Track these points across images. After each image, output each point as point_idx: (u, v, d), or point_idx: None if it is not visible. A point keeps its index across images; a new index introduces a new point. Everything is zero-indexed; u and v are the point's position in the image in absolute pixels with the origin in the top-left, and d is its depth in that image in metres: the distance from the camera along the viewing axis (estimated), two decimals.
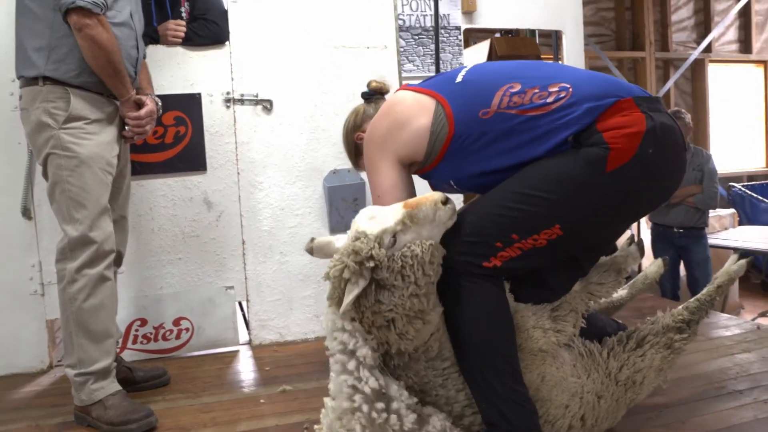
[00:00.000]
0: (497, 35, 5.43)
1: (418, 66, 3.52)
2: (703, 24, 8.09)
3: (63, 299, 2.29)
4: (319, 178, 3.37)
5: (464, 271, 1.69)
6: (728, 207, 7.06)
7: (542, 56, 5.29)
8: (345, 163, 2.90)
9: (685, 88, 8.08)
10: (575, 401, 1.83)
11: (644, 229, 5.88)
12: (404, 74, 3.48)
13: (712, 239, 5.61)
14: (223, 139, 3.22)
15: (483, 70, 1.87)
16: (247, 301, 3.31)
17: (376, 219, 1.63)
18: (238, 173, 3.25)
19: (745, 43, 8.34)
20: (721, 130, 8.13)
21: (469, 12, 3.62)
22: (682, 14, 8.00)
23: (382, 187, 1.85)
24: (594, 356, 1.93)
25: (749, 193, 7.24)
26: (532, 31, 5.38)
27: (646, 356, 1.96)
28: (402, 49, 3.49)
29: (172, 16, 3.15)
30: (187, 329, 3.19)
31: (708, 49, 7.87)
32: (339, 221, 3.33)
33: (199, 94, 3.17)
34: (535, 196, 1.67)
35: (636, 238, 2.20)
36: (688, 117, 4.98)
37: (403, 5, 3.48)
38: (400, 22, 3.48)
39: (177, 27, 3.10)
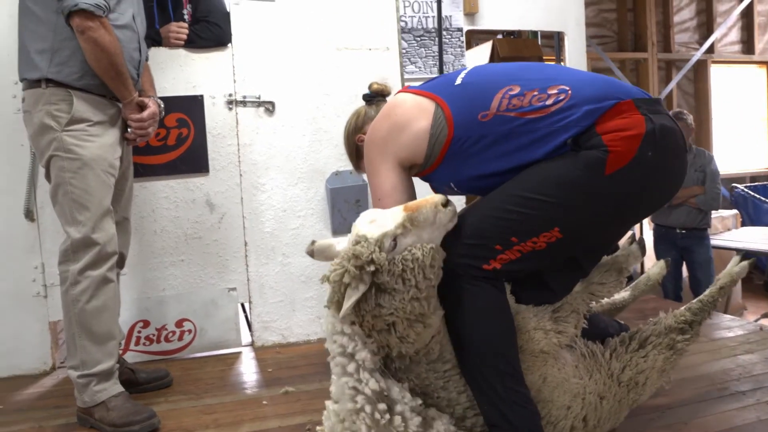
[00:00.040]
0: (499, 37, 5.43)
1: (420, 68, 3.52)
2: (706, 25, 8.08)
3: (66, 301, 2.29)
4: (322, 179, 3.37)
5: (464, 273, 1.69)
6: (731, 208, 7.05)
7: (544, 58, 5.29)
8: (347, 164, 2.90)
9: (687, 89, 8.07)
10: (577, 402, 1.83)
11: (646, 230, 5.88)
12: (406, 76, 3.48)
13: (715, 240, 5.60)
14: (225, 141, 3.23)
15: (482, 73, 1.87)
16: (250, 302, 3.31)
17: (376, 222, 1.62)
18: (241, 175, 3.25)
19: (747, 44, 8.33)
20: (723, 131, 8.12)
21: (471, 13, 3.62)
22: (684, 15, 8.00)
23: (383, 190, 1.84)
24: (596, 357, 1.93)
25: (752, 194, 7.22)
26: (534, 33, 5.38)
27: (648, 357, 1.96)
28: (404, 51, 3.49)
29: (174, 18, 3.16)
30: (189, 331, 3.20)
31: (710, 50, 7.86)
32: (341, 223, 3.33)
33: (202, 96, 3.18)
34: (534, 199, 1.66)
35: (637, 238, 2.20)
36: (690, 118, 4.98)
37: (405, 7, 3.49)
38: (402, 23, 3.48)
39: (179, 29, 3.11)
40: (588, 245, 1.84)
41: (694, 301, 2.10)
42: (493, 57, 4.89)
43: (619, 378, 1.92)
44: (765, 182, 7.84)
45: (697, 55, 7.59)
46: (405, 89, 1.96)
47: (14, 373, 2.95)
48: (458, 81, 1.84)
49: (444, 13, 3.55)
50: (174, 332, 3.17)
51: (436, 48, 3.53)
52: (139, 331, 3.12)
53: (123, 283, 2.76)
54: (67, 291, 2.28)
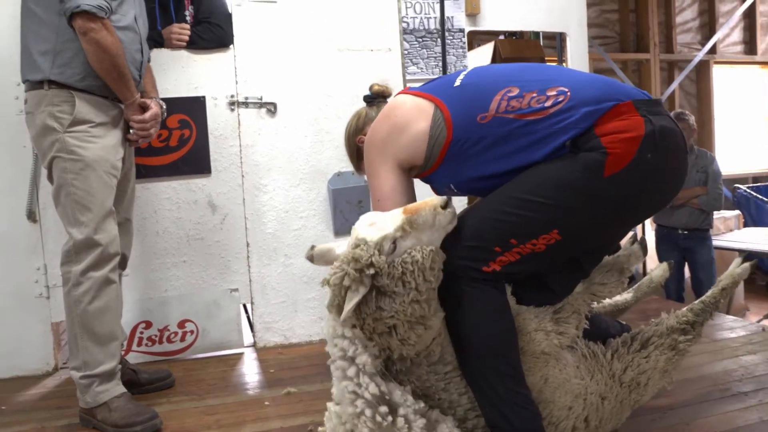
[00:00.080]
0: (501, 37, 5.43)
1: (422, 69, 3.52)
2: (708, 25, 8.07)
3: (68, 302, 2.30)
4: (324, 180, 3.37)
5: (464, 275, 1.68)
6: (733, 209, 7.04)
7: (546, 58, 5.29)
8: (349, 165, 2.89)
9: (689, 89, 8.06)
10: (579, 403, 1.83)
11: (648, 230, 5.88)
12: (408, 77, 3.49)
13: (717, 241, 5.60)
14: (227, 142, 3.23)
15: (481, 74, 1.87)
16: (252, 303, 3.32)
17: (375, 225, 1.62)
18: (243, 176, 3.26)
19: (749, 45, 8.32)
20: (725, 131, 8.11)
21: (473, 14, 3.62)
22: (686, 16, 7.99)
23: (382, 191, 1.84)
24: (597, 357, 1.93)
25: (754, 194, 7.21)
26: (536, 34, 5.38)
27: (650, 358, 1.95)
28: (406, 52, 3.49)
29: (176, 19, 3.17)
30: (191, 331, 3.20)
31: (713, 50, 7.85)
32: (343, 223, 3.33)
33: (204, 98, 3.18)
34: (533, 201, 1.66)
35: (639, 238, 2.20)
36: (692, 119, 4.98)
37: (407, 8, 3.49)
38: (404, 24, 3.49)
39: (181, 30, 3.11)
40: (588, 247, 1.83)
41: (696, 302, 2.10)
42: (495, 58, 4.90)
43: (620, 378, 1.92)
44: (767, 183, 7.83)
45: (700, 55, 7.58)
46: (405, 90, 1.96)
47: (17, 374, 2.96)
48: (457, 82, 1.84)
49: (446, 14, 3.55)
50: (176, 333, 3.18)
51: (437, 49, 3.53)
52: (142, 332, 3.12)
53: (125, 284, 2.76)
54: (70, 292, 2.28)
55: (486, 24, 3.71)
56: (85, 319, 2.27)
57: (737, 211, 6.88)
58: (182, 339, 3.19)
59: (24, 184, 2.93)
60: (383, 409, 1.57)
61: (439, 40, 3.53)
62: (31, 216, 2.95)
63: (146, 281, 3.13)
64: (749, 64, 8.36)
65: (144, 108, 2.48)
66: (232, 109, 3.23)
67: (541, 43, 5.47)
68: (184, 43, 3.13)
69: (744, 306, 6.36)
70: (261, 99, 3.26)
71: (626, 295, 2.49)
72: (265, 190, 3.29)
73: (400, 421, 1.58)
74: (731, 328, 3.23)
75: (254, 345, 3.31)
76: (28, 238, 2.96)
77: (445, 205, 1.64)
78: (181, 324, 3.18)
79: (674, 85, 7.53)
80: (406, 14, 3.49)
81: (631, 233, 2.26)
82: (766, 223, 6.92)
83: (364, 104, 2.27)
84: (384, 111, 1.93)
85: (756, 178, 8.14)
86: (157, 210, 3.14)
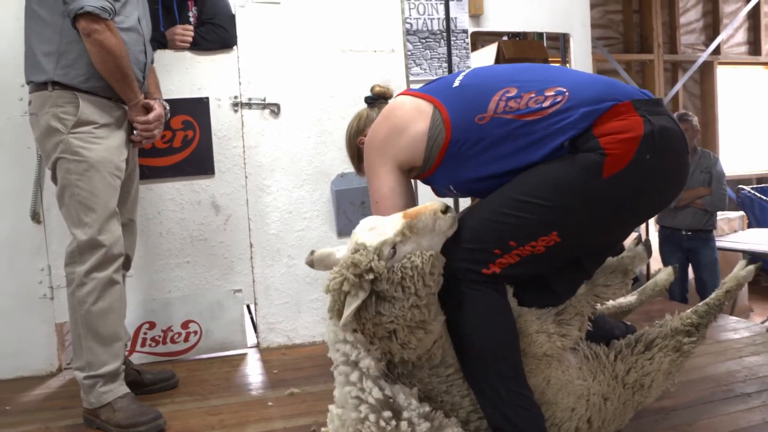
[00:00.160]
0: (505, 38, 5.43)
1: (425, 69, 3.52)
2: (712, 26, 8.05)
3: (72, 302, 2.30)
4: (327, 181, 3.38)
5: (464, 278, 1.68)
6: (737, 209, 7.02)
7: (550, 59, 5.29)
8: (352, 166, 2.91)
9: (693, 90, 8.04)
10: (581, 404, 1.82)
11: (652, 231, 5.87)
12: (411, 78, 3.49)
13: (721, 242, 5.59)
14: (230, 143, 3.24)
15: (480, 75, 1.86)
16: (255, 304, 3.32)
17: (375, 230, 1.61)
18: (246, 177, 3.26)
19: (754, 45, 8.30)
20: (729, 132, 8.09)
21: (476, 15, 3.62)
22: (690, 16, 7.97)
23: (381, 192, 1.84)
24: (600, 359, 1.92)
25: (758, 195, 7.19)
26: (540, 34, 5.37)
27: (654, 359, 1.95)
28: (409, 53, 3.50)
29: (179, 20, 3.17)
30: (195, 332, 3.20)
31: (717, 51, 7.82)
32: (346, 224, 3.33)
33: (207, 99, 3.19)
34: (532, 203, 1.65)
35: (643, 239, 2.19)
36: (695, 120, 4.97)
37: (410, 9, 3.49)
38: (408, 25, 3.49)
39: (185, 32, 3.12)
40: (588, 248, 1.82)
41: (701, 303, 2.09)
42: (499, 59, 4.90)
43: (624, 380, 1.92)
44: None
45: (704, 56, 7.56)
46: (405, 92, 1.96)
47: (21, 375, 2.97)
48: (456, 83, 1.83)
49: (450, 15, 3.54)
50: (180, 334, 3.18)
51: (441, 50, 3.53)
52: (145, 333, 3.13)
53: (129, 284, 2.77)
54: (74, 292, 2.29)
55: (489, 25, 3.71)
56: (88, 320, 2.28)
57: (741, 212, 6.85)
58: (186, 339, 3.19)
59: (28, 185, 2.94)
60: (387, 413, 1.57)
61: (442, 41, 3.53)
62: (35, 217, 2.96)
63: (150, 282, 3.14)
64: (753, 64, 8.33)
65: (148, 109, 2.48)
66: (236, 110, 3.24)
67: (545, 44, 5.47)
68: (188, 45, 3.13)
69: (748, 307, 6.34)
70: (264, 100, 3.27)
71: (630, 298, 2.49)
72: (269, 191, 3.29)
73: (404, 425, 1.58)
74: (735, 329, 3.23)
75: (257, 346, 3.32)
76: (32, 239, 2.97)
77: (445, 210, 1.64)
78: (185, 324, 3.19)
79: (678, 86, 7.51)
80: (410, 15, 3.49)
81: (635, 234, 2.26)
82: None
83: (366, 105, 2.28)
84: (384, 112, 1.93)
85: (760, 179, 8.12)
86: (161, 211, 3.14)
